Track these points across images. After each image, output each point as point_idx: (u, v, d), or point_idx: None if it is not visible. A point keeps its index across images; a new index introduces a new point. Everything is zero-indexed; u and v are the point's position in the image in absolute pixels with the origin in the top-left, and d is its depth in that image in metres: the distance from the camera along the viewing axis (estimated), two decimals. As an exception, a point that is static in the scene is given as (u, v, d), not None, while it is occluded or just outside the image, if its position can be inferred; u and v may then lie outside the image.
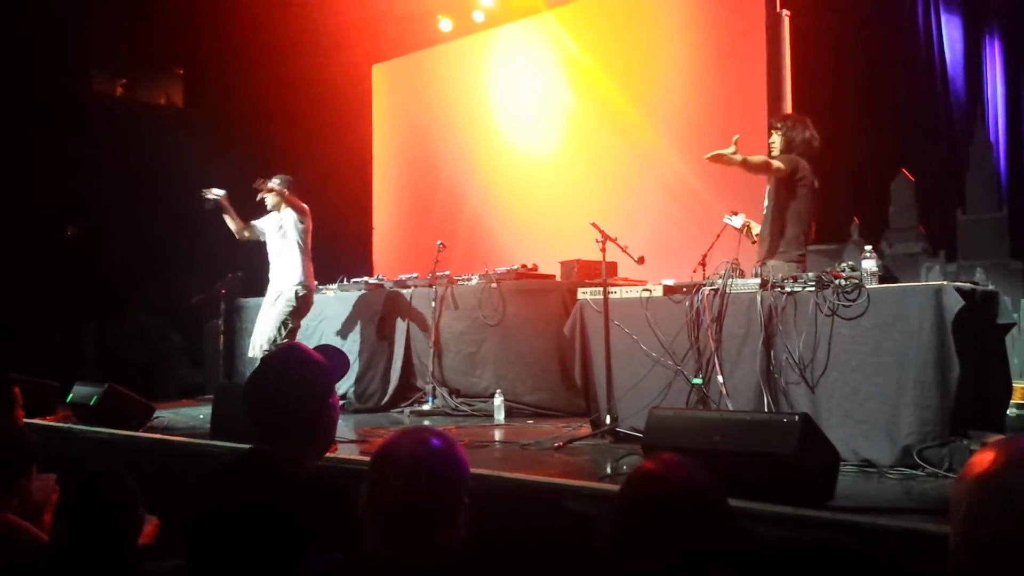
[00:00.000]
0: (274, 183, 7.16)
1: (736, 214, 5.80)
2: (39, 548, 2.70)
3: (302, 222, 7.18)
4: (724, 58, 8.64)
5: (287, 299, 7.11)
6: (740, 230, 5.77)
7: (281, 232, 7.22)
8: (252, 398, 2.47)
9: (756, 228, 5.69)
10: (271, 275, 7.32)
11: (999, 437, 2.42)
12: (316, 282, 7.54)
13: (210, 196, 7.17)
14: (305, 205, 7.23)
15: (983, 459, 1.44)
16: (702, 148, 8.51)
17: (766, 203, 5.55)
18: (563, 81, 10.08)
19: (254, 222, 7.35)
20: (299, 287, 7.13)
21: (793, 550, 3.13)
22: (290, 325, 7.14)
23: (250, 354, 7.33)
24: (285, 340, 7.02)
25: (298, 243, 7.16)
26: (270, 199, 7.22)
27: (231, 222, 7.30)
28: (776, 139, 5.58)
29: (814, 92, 8.49)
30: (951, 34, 10.31)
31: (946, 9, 10.26)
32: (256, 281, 7.78)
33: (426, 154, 11.38)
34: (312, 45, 10.35)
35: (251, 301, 8.29)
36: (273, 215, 7.31)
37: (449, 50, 11.30)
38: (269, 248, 7.32)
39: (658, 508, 1.76)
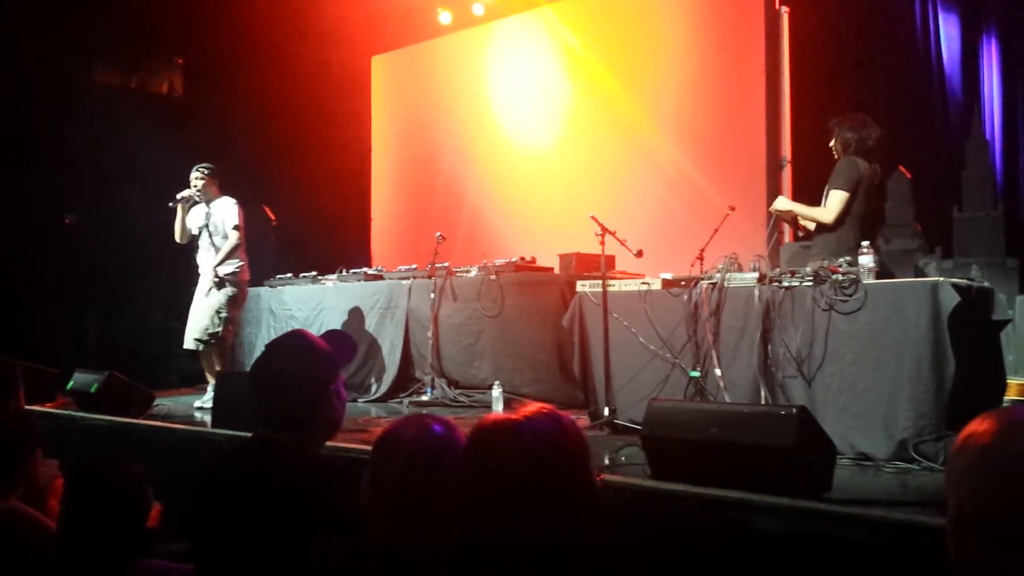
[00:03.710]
0: (203, 173, 7.19)
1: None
2: (47, 534, 2.72)
3: (236, 213, 7.18)
4: (723, 53, 8.65)
5: (225, 290, 7.14)
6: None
7: (213, 224, 7.22)
8: (255, 385, 2.50)
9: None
10: (201, 268, 7.31)
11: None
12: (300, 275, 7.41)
13: (181, 196, 7.19)
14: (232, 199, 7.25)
15: (981, 428, 1.36)
16: (701, 142, 8.65)
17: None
18: (562, 75, 10.09)
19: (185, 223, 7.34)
20: (235, 277, 7.17)
21: (789, 541, 3.16)
22: (228, 315, 7.16)
23: (185, 347, 7.33)
24: (221, 330, 7.09)
25: (233, 234, 7.18)
26: (200, 190, 7.20)
27: (179, 224, 7.28)
28: (833, 142, 5.47)
29: (812, 88, 8.52)
30: (948, 32, 10.34)
31: (944, 7, 10.29)
32: (255, 271, 7.79)
33: (425, 146, 11.38)
34: (312, 36, 10.35)
35: (250, 291, 8.28)
36: (200, 208, 7.29)
37: (449, 43, 11.29)
38: (200, 241, 7.30)
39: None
